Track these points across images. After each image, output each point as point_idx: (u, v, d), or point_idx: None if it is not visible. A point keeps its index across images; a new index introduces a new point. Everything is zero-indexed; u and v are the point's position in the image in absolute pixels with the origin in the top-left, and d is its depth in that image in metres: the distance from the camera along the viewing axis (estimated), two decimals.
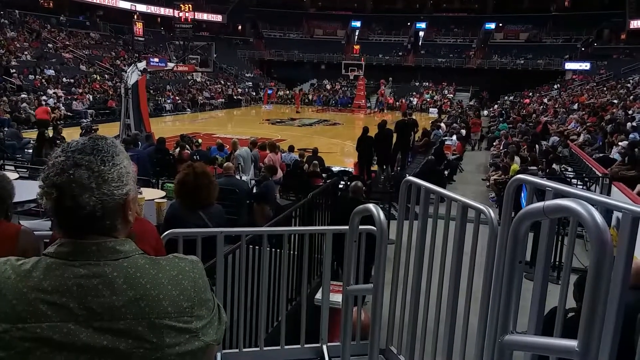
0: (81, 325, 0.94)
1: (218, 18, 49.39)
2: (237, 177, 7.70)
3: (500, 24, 47.41)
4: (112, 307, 0.95)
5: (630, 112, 16.78)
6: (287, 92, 43.86)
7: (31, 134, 14.95)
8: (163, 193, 6.13)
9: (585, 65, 39.55)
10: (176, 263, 1.05)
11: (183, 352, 0.99)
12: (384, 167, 12.23)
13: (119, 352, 0.95)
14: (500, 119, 24.89)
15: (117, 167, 1.02)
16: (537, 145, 13.94)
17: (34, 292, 0.94)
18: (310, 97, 42.64)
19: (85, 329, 0.94)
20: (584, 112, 20.27)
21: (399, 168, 12.69)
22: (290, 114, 33.96)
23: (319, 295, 3.92)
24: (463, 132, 19.59)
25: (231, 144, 11.14)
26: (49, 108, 22.13)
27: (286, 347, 3.08)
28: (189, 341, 1.00)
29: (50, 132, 12.01)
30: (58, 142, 10.72)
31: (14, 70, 26.16)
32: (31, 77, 26.71)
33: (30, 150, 11.84)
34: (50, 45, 33.48)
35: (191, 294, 1.02)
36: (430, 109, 37.55)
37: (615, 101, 21.76)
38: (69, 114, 23.69)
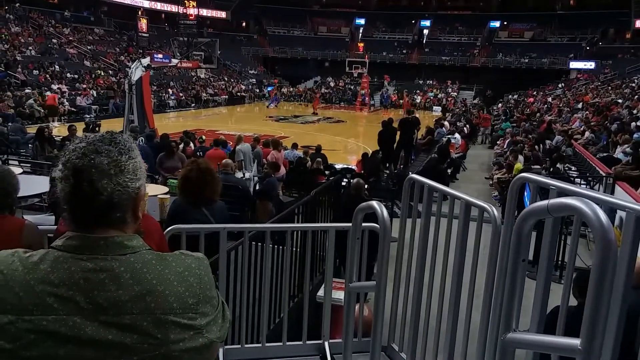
0: (87, 319, 0.94)
1: (222, 14, 49.40)
2: (240, 173, 7.69)
3: (505, 23, 47.27)
4: (118, 302, 0.96)
5: (634, 111, 16.66)
6: (291, 89, 43.81)
7: (35, 129, 14.91)
8: (166, 189, 6.12)
9: (590, 65, 39.45)
10: (182, 260, 1.06)
11: (187, 348, 0.99)
12: (387, 164, 12.25)
13: (124, 347, 0.95)
14: (504, 118, 24.82)
15: (133, 160, 1.04)
16: (540, 144, 13.89)
17: (41, 285, 0.95)
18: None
19: (91, 322, 0.94)
20: (588, 112, 20.17)
21: (402, 166, 12.69)
22: (293, 111, 33.95)
23: (321, 292, 3.92)
24: (466, 130, 19.54)
25: (236, 138, 11.14)
26: (57, 96, 22.66)
27: (288, 343, 3.09)
28: (193, 338, 1.00)
29: (53, 128, 11.99)
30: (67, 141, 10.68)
31: (21, 60, 26.27)
32: (35, 72, 26.76)
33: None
34: (54, 40, 33.51)
35: (196, 290, 1.03)
36: (434, 107, 37.50)
37: (620, 101, 21.62)
38: (72, 109, 23.74)
